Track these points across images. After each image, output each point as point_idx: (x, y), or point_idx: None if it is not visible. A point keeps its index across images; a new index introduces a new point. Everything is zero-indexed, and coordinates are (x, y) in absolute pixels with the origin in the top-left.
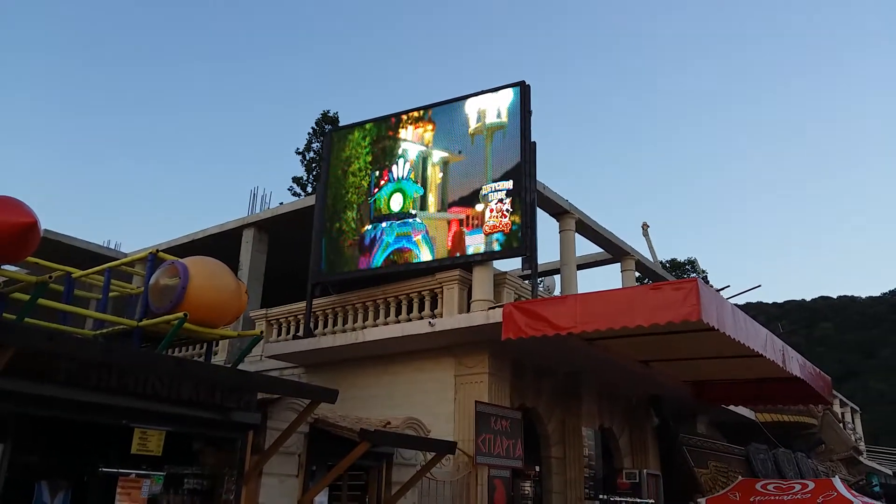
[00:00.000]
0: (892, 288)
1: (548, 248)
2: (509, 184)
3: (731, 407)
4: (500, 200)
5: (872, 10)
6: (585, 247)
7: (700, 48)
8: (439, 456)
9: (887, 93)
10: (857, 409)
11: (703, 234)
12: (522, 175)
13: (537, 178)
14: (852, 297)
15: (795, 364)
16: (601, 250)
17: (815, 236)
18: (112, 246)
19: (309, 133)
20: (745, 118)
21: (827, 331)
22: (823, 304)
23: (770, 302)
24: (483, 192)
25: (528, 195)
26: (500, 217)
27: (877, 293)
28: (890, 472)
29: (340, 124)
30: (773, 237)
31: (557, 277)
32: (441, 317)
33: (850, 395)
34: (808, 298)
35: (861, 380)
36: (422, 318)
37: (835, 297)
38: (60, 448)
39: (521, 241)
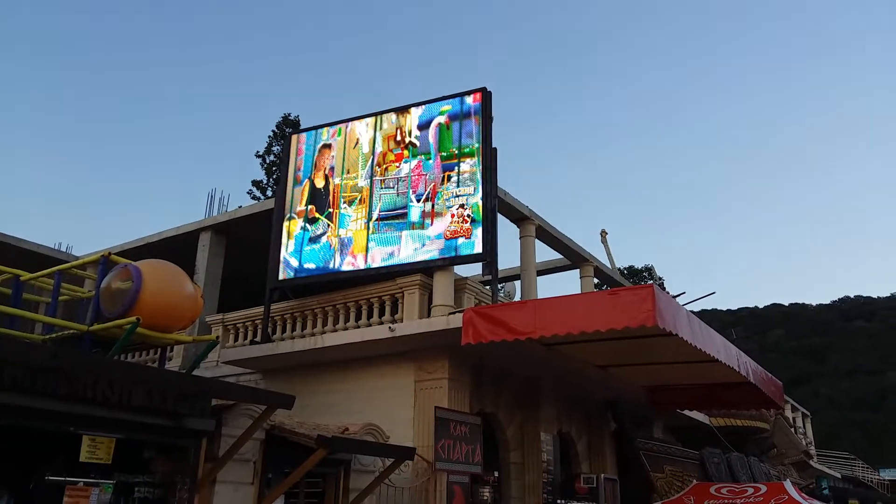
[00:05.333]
0: (841, 296)
1: (508, 254)
2: (470, 189)
3: (686, 412)
4: (462, 206)
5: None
6: (545, 253)
7: (659, 55)
8: (398, 462)
9: (843, 100)
10: (808, 413)
11: (660, 241)
12: (484, 181)
13: (498, 184)
14: (803, 304)
15: (749, 369)
16: (561, 256)
17: (768, 245)
18: (63, 249)
19: (269, 136)
20: (701, 126)
21: (778, 337)
22: (775, 312)
23: (724, 309)
24: (444, 196)
25: (490, 201)
26: (461, 222)
27: (827, 301)
28: (838, 476)
29: (301, 127)
30: (727, 245)
31: (518, 283)
32: (401, 322)
33: (800, 401)
34: (761, 305)
35: (811, 385)
36: (382, 323)
37: (786, 304)
38: (4, 455)
39: (482, 246)
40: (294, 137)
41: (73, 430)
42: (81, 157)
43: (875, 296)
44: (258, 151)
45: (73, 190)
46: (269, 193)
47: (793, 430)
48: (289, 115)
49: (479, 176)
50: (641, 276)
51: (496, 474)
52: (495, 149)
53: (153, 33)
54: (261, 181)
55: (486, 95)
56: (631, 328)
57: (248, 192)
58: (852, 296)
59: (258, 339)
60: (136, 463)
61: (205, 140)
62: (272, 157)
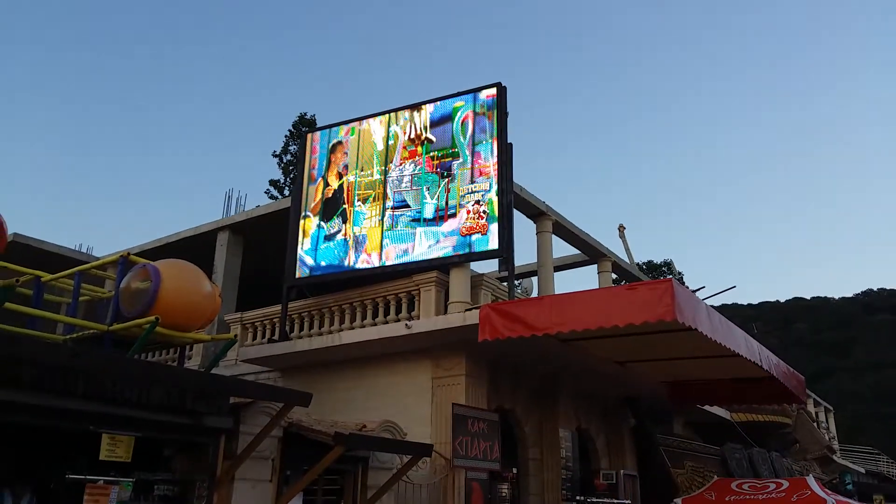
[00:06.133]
0: (864, 289)
1: (524, 250)
2: (486, 185)
3: (707, 407)
4: (478, 202)
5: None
6: (562, 248)
7: (682, 47)
8: (415, 459)
9: (867, 100)
10: (831, 408)
11: (679, 236)
12: (499, 177)
13: (514, 180)
14: (826, 297)
15: (771, 363)
16: (578, 252)
17: (790, 238)
18: (84, 250)
19: (286, 136)
20: (722, 120)
21: (801, 331)
22: (797, 305)
23: (745, 303)
24: (460, 193)
25: (506, 197)
26: (478, 218)
27: (849, 294)
28: (862, 471)
29: (317, 126)
30: (748, 239)
31: (534, 279)
32: (418, 319)
33: (823, 395)
34: (783, 300)
35: (834, 379)
36: (399, 320)
37: (808, 298)
38: (26, 454)
39: (498, 242)
40: (309, 136)
41: (93, 429)
42: (101, 159)
43: None
44: (275, 151)
45: (92, 192)
46: (287, 193)
47: (815, 424)
48: (305, 114)
49: (493, 171)
50: (660, 271)
51: (515, 471)
52: (510, 144)
53: (173, 32)
54: (278, 180)
55: (501, 91)
56: (650, 323)
57: (265, 192)
58: (875, 289)
59: (276, 337)
60: (155, 461)
61: (223, 141)
62: (289, 157)
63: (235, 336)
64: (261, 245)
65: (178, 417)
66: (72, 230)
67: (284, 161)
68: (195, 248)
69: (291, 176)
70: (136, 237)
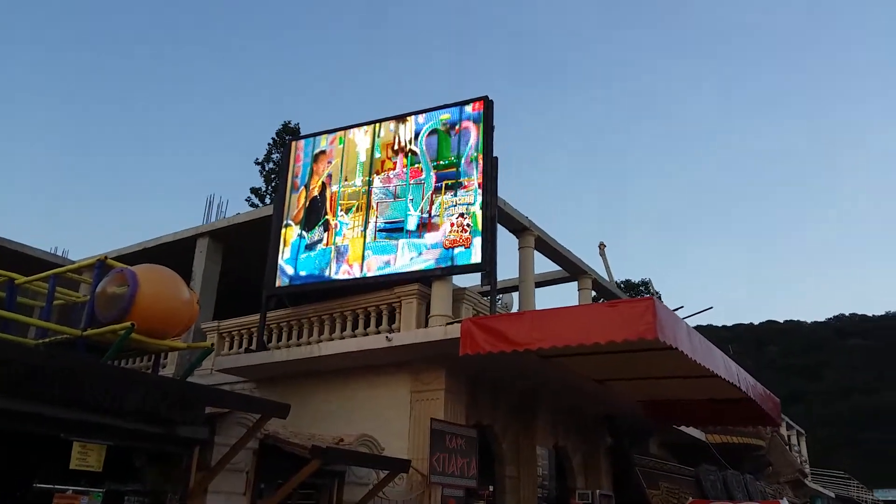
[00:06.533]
0: (836, 313)
1: (505, 264)
2: (470, 198)
3: (682, 428)
4: (461, 215)
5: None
6: (542, 265)
7: (663, 61)
8: (392, 474)
9: (840, 114)
10: (803, 431)
11: (657, 256)
12: (484, 190)
13: (498, 194)
14: (798, 321)
15: (748, 385)
16: (559, 268)
17: (765, 261)
18: (59, 253)
19: (269, 143)
20: (701, 143)
21: (774, 354)
22: (770, 328)
23: (720, 325)
24: (443, 205)
25: (490, 210)
26: (461, 231)
27: (822, 318)
28: (832, 495)
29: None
30: (724, 261)
31: (515, 294)
32: (399, 331)
33: (795, 419)
34: (756, 322)
35: (806, 403)
36: (379, 332)
37: (781, 321)
38: None
39: (481, 256)
40: (293, 144)
41: (64, 436)
42: (79, 162)
43: (870, 314)
44: (257, 159)
45: (70, 195)
46: (268, 201)
47: (787, 447)
48: (289, 122)
49: (478, 184)
50: (638, 290)
51: (491, 488)
52: (496, 158)
53: (154, 38)
54: (259, 188)
55: (487, 104)
56: (630, 341)
57: (246, 200)
58: (847, 313)
59: (253, 347)
60: (126, 471)
61: (205, 148)
62: (271, 165)
63: (212, 345)
64: (241, 253)
65: (152, 426)
66: (47, 233)
67: (266, 169)
68: (174, 254)
69: (273, 184)
70: (112, 242)
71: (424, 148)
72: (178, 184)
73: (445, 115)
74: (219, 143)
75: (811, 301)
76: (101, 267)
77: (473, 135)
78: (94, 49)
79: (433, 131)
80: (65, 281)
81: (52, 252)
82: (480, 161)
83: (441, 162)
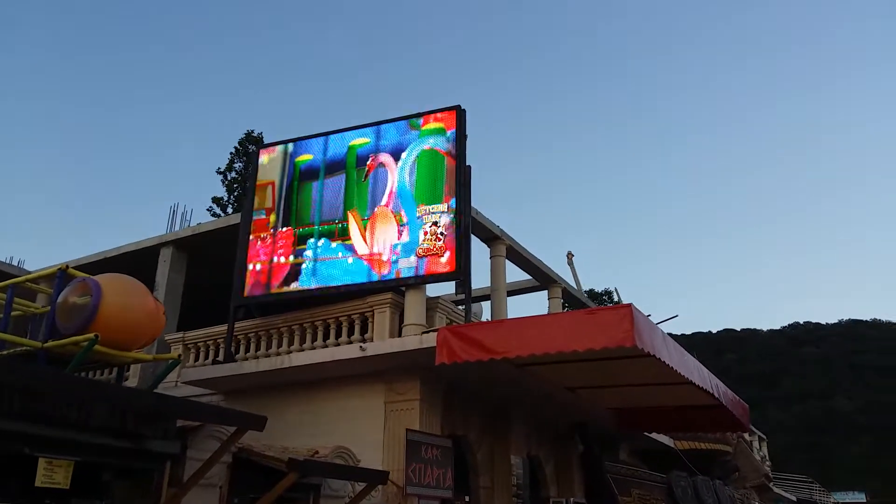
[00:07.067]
0: (791, 322)
1: (474, 273)
2: (443, 207)
3: (652, 435)
4: (435, 223)
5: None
6: (512, 274)
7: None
8: (370, 486)
9: (801, 129)
10: (765, 437)
11: (618, 266)
12: (458, 199)
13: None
14: (755, 329)
15: (720, 391)
16: (529, 277)
17: (722, 271)
18: (15, 263)
19: (231, 153)
20: (660, 155)
21: (731, 362)
22: (728, 337)
23: (679, 333)
24: (417, 214)
25: (463, 219)
26: (434, 240)
27: (777, 326)
28: (794, 500)
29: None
30: (684, 271)
31: (484, 303)
32: (372, 341)
33: (752, 425)
34: (714, 330)
35: (762, 409)
36: (351, 342)
37: (738, 329)
38: None
39: (455, 265)
40: (260, 152)
41: (29, 452)
42: (36, 169)
43: (824, 322)
44: (219, 168)
45: (28, 205)
46: (230, 210)
47: (753, 452)
48: (252, 131)
49: (451, 193)
50: (602, 300)
51: (467, 499)
52: (469, 166)
53: (120, 46)
54: (221, 198)
55: (460, 113)
56: (609, 348)
57: (207, 209)
58: (802, 321)
59: (220, 358)
60: (94, 488)
61: (165, 157)
62: (234, 174)
63: (179, 356)
64: (206, 262)
65: (121, 441)
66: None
67: (229, 178)
68: (136, 263)
69: (235, 194)
70: (69, 252)
71: (397, 156)
72: (136, 192)
73: (418, 124)
74: (179, 151)
75: (767, 310)
76: (62, 276)
77: (446, 143)
78: (59, 47)
79: (406, 139)
80: (21, 291)
81: (8, 262)
82: (454, 169)
83: (414, 170)
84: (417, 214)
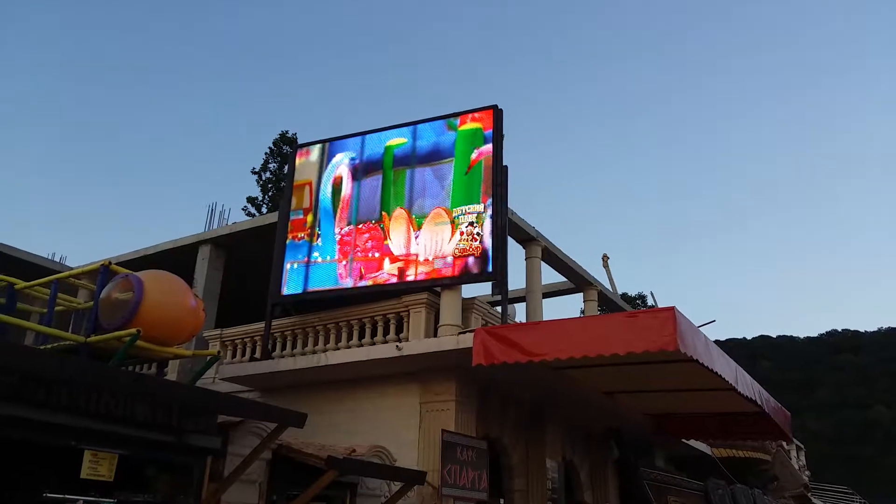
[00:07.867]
0: (829, 329)
1: (510, 275)
2: (480, 207)
3: (690, 441)
4: (471, 224)
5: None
6: (547, 276)
7: (666, 77)
8: (407, 487)
9: (835, 133)
10: (802, 446)
11: (652, 270)
12: (495, 199)
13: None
14: (791, 336)
15: (763, 398)
16: (564, 279)
17: (758, 276)
18: (57, 259)
19: (266, 153)
20: (698, 156)
21: (766, 369)
22: (763, 343)
23: (713, 339)
24: (454, 214)
25: (500, 219)
26: (471, 240)
27: (814, 334)
28: None
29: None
30: (718, 275)
31: (517, 305)
32: (407, 341)
33: None
34: (749, 337)
35: (799, 418)
36: (386, 341)
37: (774, 336)
38: (1, 471)
39: (492, 265)
40: (298, 152)
41: (75, 445)
42: (78, 170)
43: (862, 329)
44: (254, 168)
45: (69, 203)
46: (265, 210)
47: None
48: (286, 132)
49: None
50: (634, 304)
51: (502, 501)
52: (506, 167)
53: (152, 47)
54: (256, 198)
55: (497, 113)
56: (650, 352)
57: (242, 209)
58: (840, 329)
59: (258, 355)
60: (137, 481)
61: (202, 158)
62: (268, 174)
63: (218, 352)
64: (243, 261)
65: (164, 435)
66: (44, 239)
67: (263, 178)
68: (175, 261)
69: (270, 194)
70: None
71: (434, 156)
72: (172, 193)
73: (455, 124)
74: (216, 152)
75: (804, 317)
76: (105, 272)
77: (483, 143)
78: (97, 54)
79: (443, 139)
80: (65, 286)
81: (50, 258)
82: (491, 169)
83: (452, 170)
84: (454, 215)
